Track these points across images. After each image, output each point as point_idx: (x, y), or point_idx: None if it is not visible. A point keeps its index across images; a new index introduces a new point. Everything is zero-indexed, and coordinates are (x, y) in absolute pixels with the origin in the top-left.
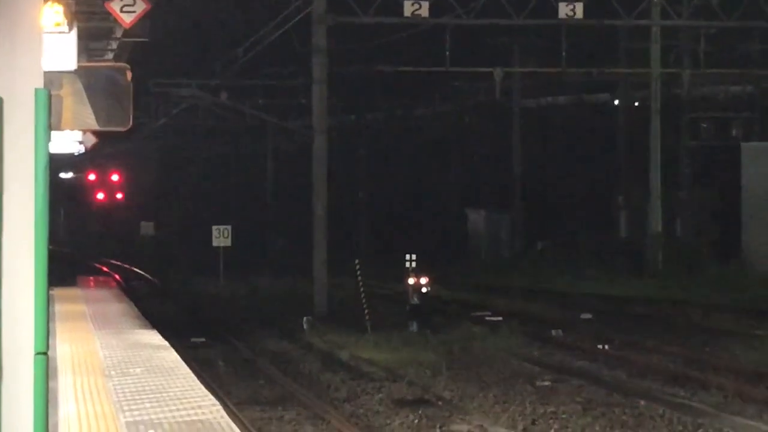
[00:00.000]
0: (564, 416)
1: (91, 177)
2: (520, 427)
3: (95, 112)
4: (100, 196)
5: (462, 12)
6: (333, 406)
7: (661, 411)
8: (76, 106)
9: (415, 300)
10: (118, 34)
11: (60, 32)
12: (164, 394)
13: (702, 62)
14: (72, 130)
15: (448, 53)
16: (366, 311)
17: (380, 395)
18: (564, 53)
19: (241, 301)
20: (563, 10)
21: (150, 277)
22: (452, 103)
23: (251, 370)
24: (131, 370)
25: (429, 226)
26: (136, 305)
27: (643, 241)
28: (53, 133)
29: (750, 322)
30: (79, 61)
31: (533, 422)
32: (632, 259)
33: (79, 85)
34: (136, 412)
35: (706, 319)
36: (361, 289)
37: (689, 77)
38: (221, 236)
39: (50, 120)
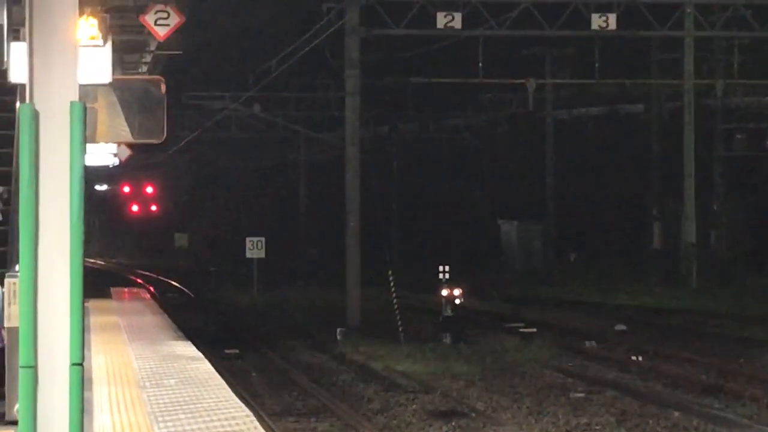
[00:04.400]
0: (598, 428)
1: (126, 189)
2: None
3: (130, 125)
4: (135, 208)
5: (495, 23)
6: (366, 418)
7: (695, 422)
8: (111, 118)
9: (449, 311)
10: (153, 47)
11: (95, 45)
12: (198, 405)
13: (735, 72)
14: (107, 142)
15: (480, 64)
16: (399, 322)
17: (414, 407)
18: (597, 64)
19: (275, 312)
20: (596, 22)
21: (184, 289)
22: (485, 114)
23: (285, 382)
24: (165, 382)
25: (461, 237)
26: (170, 317)
27: (677, 252)
28: (88, 145)
29: None
30: (113, 74)
31: None
32: (666, 269)
33: (114, 98)
34: (170, 424)
35: (740, 329)
36: (395, 301)
37: (722, 88)
38: (255, 248)
39: (85, 133)
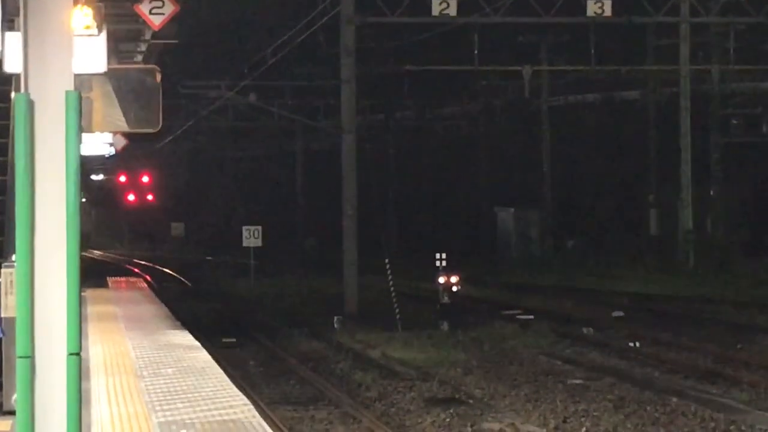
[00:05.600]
0: (595, 414)
1: (122, 179)
2: (552, 425)
3: (125, 114)
4: (131, 197)
5: (490, 10)
6: (364, 406)
7: (693, 408)
8: (106, 108)
9: (446, 299)
10: (147, 36)
11: (90, 35)
12: (196, 394)
13: (731, 59)
14: (102, 132)
15: (476, 52)
16: (396, 310)
17: (411, 394)
18: (592, 51)
19: (272, 300)
20: (591, 8)
21: (181, 278)
22: (481, 101)
23: (282, 370)
24: (163, 371)
25: (458, 225)
26: (167, 306)
27: (674, 239)
28: (83, 135)
29: None
30: (108, 63)
31: (564, 420)
32: (663, 256)
33: (109, 87)
34: (168, 413)
35: (737, 315)
36: (392, 288)
37: (719, 74)
38: (252, 237)
39: (81, 122)
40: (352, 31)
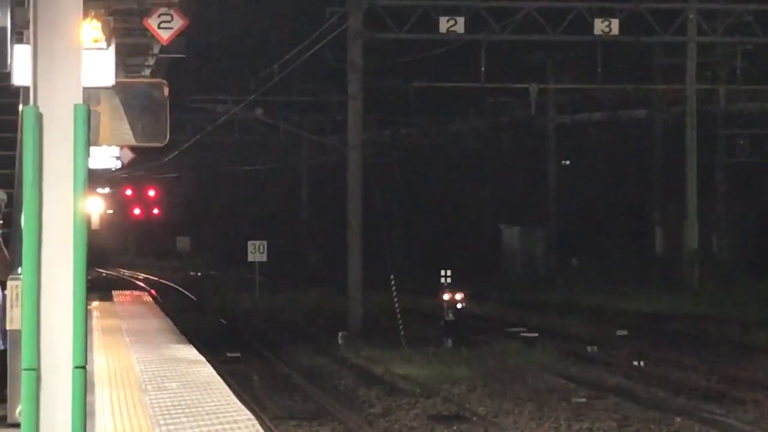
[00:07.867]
0: None
1: (128, 192)
2: None
3: (132, 128)
4: (137, 211)
5: (497, 28)
6: (368, 422)
7: (696, 428)
8: (114, 121)
9: (450, 316)
10: (156, 50)
11: (99, 48)
12: (200, 409)
13: (738, 78)
14: (109, 145)
15: (483, 69)
16: (401, 326)
17: (415, 411)
18: (599, 69)
19: (277, 315)
20: (599, 27)
21: (186, 292)
22: (487, 118)
23: (286, 385)
24: (167, 385)
25: (463, 242)
26: (171, 320)
27: (679, 257)
28: (91, 148)
29: None
30: (116, 76)
31: None
32: (668, 275)
33: (117, 101)
34: (172, 427)
35: (742, 335)
36: (396, 305)
37: (725, 93)
38: (257, 251)
39: (89, 135)
40: (360, 47)
